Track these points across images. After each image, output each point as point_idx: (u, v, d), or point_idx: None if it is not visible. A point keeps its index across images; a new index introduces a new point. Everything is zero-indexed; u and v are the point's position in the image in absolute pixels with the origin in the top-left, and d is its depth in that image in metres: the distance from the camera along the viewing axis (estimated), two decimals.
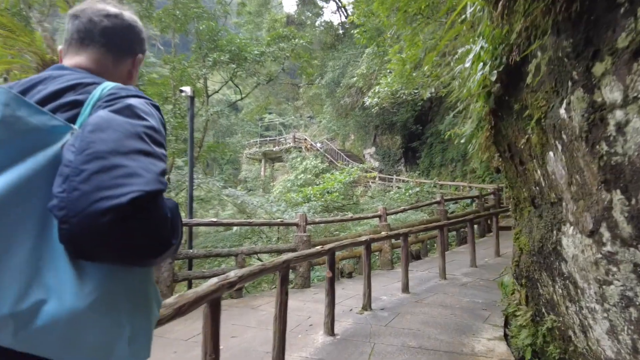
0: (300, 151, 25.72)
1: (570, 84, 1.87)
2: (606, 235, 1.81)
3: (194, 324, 4.10)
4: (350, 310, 4.95)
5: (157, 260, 0.68)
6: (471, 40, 3.14)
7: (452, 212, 12.05)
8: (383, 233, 6.42)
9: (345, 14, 26.14)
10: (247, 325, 4.58)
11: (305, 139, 27.86)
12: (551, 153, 2.20)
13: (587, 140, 1.79)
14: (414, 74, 8.35)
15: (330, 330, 4.04)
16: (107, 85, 0.80)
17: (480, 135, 3.15)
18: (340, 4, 27.55)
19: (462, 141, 3.65)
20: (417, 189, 16.19)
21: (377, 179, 21.16)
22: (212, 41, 14.74)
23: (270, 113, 35.65)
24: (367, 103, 13.86)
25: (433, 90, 9.50)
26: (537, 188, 2.56)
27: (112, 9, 0.96)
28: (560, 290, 2.48)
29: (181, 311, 1.97)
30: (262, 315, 4.93)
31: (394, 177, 20.62)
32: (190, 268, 6.31)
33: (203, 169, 21.05)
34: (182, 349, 3.81)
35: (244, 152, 29.89)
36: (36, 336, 0.59)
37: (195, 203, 14.48)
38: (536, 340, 3.02)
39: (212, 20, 15.21)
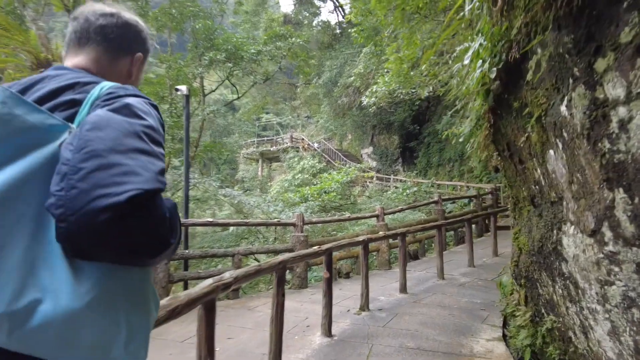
0: (297, 151, 25.68)
1: (571, 80, 1.83)
2: (608, 234, 1.78)
3: (190, 326, 4.05)
4: (348, 310, 4.91)
5: (155, 260, 0.67)
6: (469, 38, 3.11)
7: (449, 212, 12.05)
8: (381, 233, 6.39)
9: (343, 14, 26.13)
10: (243, 326, 4.53)
11: (303, 139, 27.81)
12: (551, 151, 2.16)
13: (588, 137, 1.75)
14: (412, 73, 8.33)
15: (327, 331, 4.00)
16: (106, 85, 0.80)
17: (479, 134, 3.12)
18: (337, 4, 27.53)
19: (461, 140, 3.61)
20: (415, 189, 16.18)
21: (374, 178, 21.15)
22: (208, 40, 14.66)
23: (267, 113, 35.58)
24: (365, 103, 13.83)
25: (431, 89, 9.48)
26: (537, 187, 2.52)
27: (109, 9, 0.96)
28: (560, 291, 2.45)
29: (175, 313, 1.92)
30: (258, 316, 4.89)
31: (392, 176, 20.61)
32: (186, 269, 6.26)
33: (200, 169, 20.98)
34: (178, 350, 3.76)
35: (241, 152, 29.80)
36: (31, 336, 0.59)
37: (192, 203, 14.42)
38: (535, 341, 2.99)
39: (208, 19, 15.13)
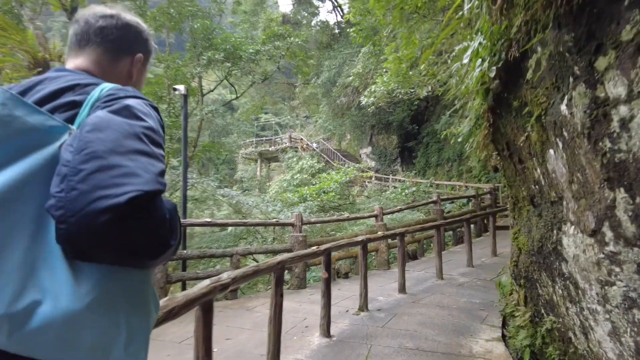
0: (296, 151, 25.66)
1: (571, 79, 1.82)
2: (609, 234, 1.76)
3: (188, 326, 4.02)
4: (347, 311, 4.90)
5: (155, 262, 0.67)
6: (468, 37, 3.09)
7: (448, 212, 12.04)
8: (379, 233, 6.37)
9: (341, 13, 26.11)
10: (241, 327, 4.51)
11: (302, 139, 27.79)
12: (551, 151, 2.15)
13: (589, 137, 1.74)
14: (410, 73, 8.31)
15: (326, 331, 3.98)
16: (106, 86, 0.80)
17: (478, 134, 3.11)
18: (336, 3, 27.52)
19: (459, 140, 3.60)
20: (414, 189, 16.18)
21: (373, 178, 21.14)
22: (206, 40, 14.61)
23: (266, 113, 35.54)
24: (363, 102, 13.81)
25: (429, 89, 9.47)
26: (537, 187, 2.51)
27: (109, 11, 0.97)
28: (560, 291, 2.43)
29: (172, 314, 1.90)
30: (257, 316, 4.87)
31: (390, 176, 20.61)
32: (184, 269, 6.23)
33: (198, 169, 20.93)
34: (176, 351, 3.74)
35: (240, 152, 29.77)
36: (31, 338, 0.58)
37: (191, 203, 14.38)
38: (535, 341, 2.98)
39: (206, 18, 15.09)
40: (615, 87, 1.55)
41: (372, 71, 15.95)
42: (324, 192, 15.15)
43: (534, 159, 2.41)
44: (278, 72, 23.20)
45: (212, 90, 19.48)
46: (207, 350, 2.25)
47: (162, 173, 0.68)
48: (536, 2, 1.86)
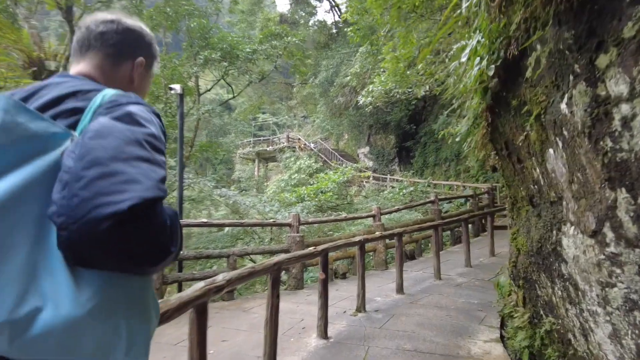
0: (294, 151, 25.61)
1: (571, 77, 1.78)
2: (610, 235, 1.73)
3: (184, 328, 3.94)
4: (344, 312, 4.86)
5: (156, 268, 0.68)
6: (466, 35, 3.06)
7: (446, 212, 12.03)
8: (377, 233, 6.34)
9: (339, 13, 26.07)
10: (238, 328, 4.47)
11: (299, 139, 27.74)
12: (551, 150, 2.12)
13: (590, 136, 1.71)
14: (408, 72, 8.29)
15: (323, 333, 3.95)
16: (108, 93, 0.80)
17: (476, 133, 3.08)
18: (333, 3, 27.50)
19: (457, 140, 3.57)
20: (411, 189, 16.17)
21: (371, 178, 21.12)
22: (203, 39, 14.55)
23: (263, 113, 35.47)
24: (361, 102, 13.79)
25: (427, 88, 9.45)
26: (536, 187, 2.48)
27: (110, 16, 0.99)
28: (559, 292, 2.40)
29: (165, 317, 1.87)
30: (254, 318, 4.82)
31: (388, 176, 20.60)
32: (180, 270, 6.18)
33: (195, 168, 20.85)
34: (172, 353, 3.69)
35: (238, 152, 29.70)
36: (32, 344, 0.59)
37: (188, 203, 14.30)
38: (534, 342, 2.95)
39: (203, 18, 15.02)
40: (616, 85, 1.52)
41: (370, 71, 15.92)
42: (321, 192, 15.12)
43: (533, 158, 2.38)
44: (275, 72, 23.14)
45: (209, 90, 19.39)
46: (201, 354, 2.21)
47: (163, 179, 0.68)
48: None
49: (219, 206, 15.75)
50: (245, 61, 15.58)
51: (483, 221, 10.97)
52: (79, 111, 0.77)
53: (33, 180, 0.65)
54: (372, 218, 8.85)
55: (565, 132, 1.91)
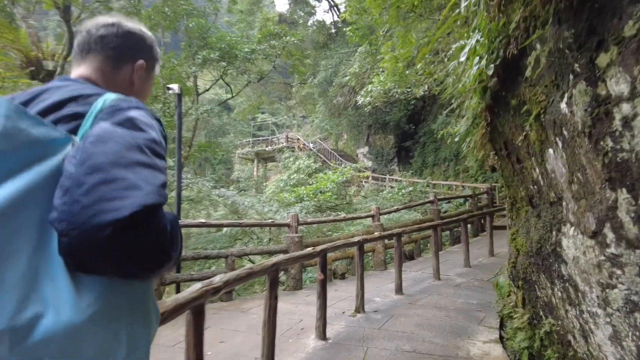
0: (293, 151, 25.57)
1: (571, 76, 1.77)
2: (610, 236, 1.72)
3: (181, 329, 3.91)
4: (343, 312, 4.84)
5: (157, 273, 0.68)
6: (465, 35, 3.04)
7: (445, 212, 12.02)
8: (376, 233, 6.32)
9: (338, 13, 26.04)
10: (236, 329, 4.45)
11: (298, 139, 27.70)
12: (551, 150, 2.10)
13: (590, 136, 1.69)
14: (407, 72, 8.27)
15: (322, 334, 3.93)
16: (109, 97, 0.80)
17: (475, 133, 3.06)
18: (332, 3, 27.47)
19: (456, 140, 3.55)
20: (410, 189, 16.14)
21: (370, 178, 21.10)
22: (202, 39, 14.50)
23: (262, 112, 35.43)
24: (360, 102, 13.76)
25: (426, 88, 9.43)
26: (535, 187, 2.46)
27: (111, 20, 0.99)
28: (559, 293, 2.39)
29: (161, 319, 1.84)
30: (252, 318, 4.80)
31: (387, 176, 20.57)
32: (178, 271, 6.14)
33: (194, 169, 20.81)
34: (168, 355, 3.67)
35: (237, 152, 29.65)
36: (33, 350, 0.58)
37: (187, 203, 14.27)
38: (533, 343, 2.93)
39: (202, 17, 14.98)
40: (617, 85, 1.51)
41: (369, 71, 15.91)
42: (320, 192, 15.08)
43: (533, 158, 2.36)
44: (274, 72, 23.10)
45: (207, 90, 19.34)
46: (198, 356, 2.19)
47: (163, 185, 0.68)
48: None
49: (217, 206, 15.72)
50: (243, 61, 15.54)
51: (482, 221, 10.96)
52: (80, 116, 0.77)
53: (34, 185, 0.65)
54: (371, 218, 8.83)
55: (565, 132, 1.90)
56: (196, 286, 2.19)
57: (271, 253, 7.11)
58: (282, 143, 27.45)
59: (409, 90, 11.23)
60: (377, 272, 7.86)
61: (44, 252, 0.63)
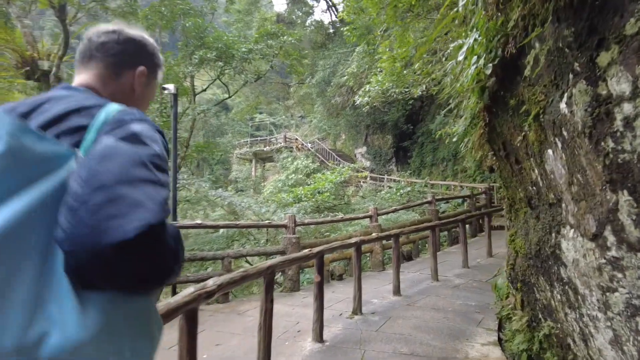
0: (291, 151, 25.51)
1: (571, 76, 1.73)
2: (611, 239, 1.68)
3: (177, 332, 3.91)
4: (340, 314, 4.80)
5: (160, 287, 0.71)
6: (463, 34, 3.01)
7: (443, 212, 11.99)
8: (374, 234, 6.28)
9: (336, 13, 26.00)
10: (232, 332, 4.40)
11: (296, 139, 27.65)
12: (550, 151, 2.06)
13: (590, 136, 1.65)
14: (405, 72, 8.24)
15: (318, 336, 3.89)
16: (111, 109, 0.80)
17: (473, 133, 3.02)
18: (330, 3, 27.43)
19: (454, 140, 3.52)
20: (409, 189, 16.11)
21: (368, 178, 21.06)
22: (199, 38, 14.43)
23: (260, 113, 35.35)
24: (358, 102, 13.71)
25: (424, 88, 9.40)
26: (534, 188, 2.43)
27: (112, 27, 1.00)
28: (558, 296, 2.35)
29: None
30: (248, 321, 4.75)
31: (385, 176, 20.54)
32: None
33: (191, 169, 20.73)
34: (163, 358, 3.61)
35: (235, 152, 29.56)
36: None
37: (184, 204, 14.21)
38: (532, 346, 2.90)
39: (199, 17, 14.90)
40: (618, 84, 1.47)
41: (367, 71, 15.87)
42: (318, 192, 15.03)
43: (532, 159, 2.33)
44: (272, 72, 23.04)
45: (204, 90, 19.27)
46: None
47: (166, 200, 0.69)
48: None
49: (215, 207, 15.66)
50: (240, 61, 15.46)
51: (480, 221, 10.94)
52: (82, 129, 0.77)
53: (39, 203, 0.65)
54: (369, 219, 8.79)
55: (564, 133, 1.86)
56: (189, 290, 2.15)
57: (268, 254, 7.07)
58: (280, 143, 27.40)
59: (406, 90, 11.19)
60: (375, 273, 7.82)
61: (49, 270, 0.64)
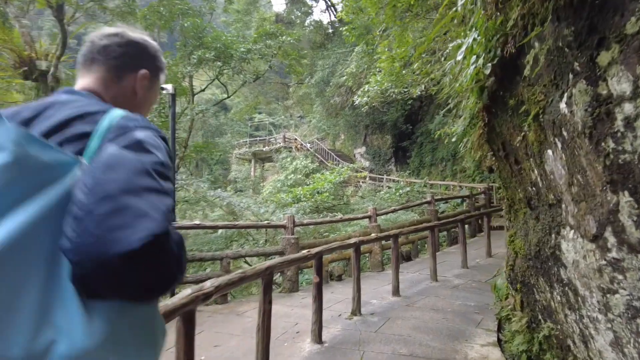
0: (290, 151, 25.49)
1: (571, 75, 1.72)
2: (611, 240, 1.67)
3: (174, 333, 3.89)
4: (339, 315, 4.78)
5: (164, 294, 0.70)
6: (462, 34, 2.99)
7: (442, 212, 11.98)
8: (373, 235, 6.27)
9: (335, 13, 25.98)
10: (231, 333, 4.39)
11: (296, 139, 27.64)
12: (550, 151, 2.05)
13: (590, 136, 1.64)
14: (404, 72, 8.22)
15: (317, 337, 3.87)
16: (114, 115, 0.80)
17: (472, 133, 3.01)
18: (329, 3, 27.41)
19: (453, 140, 3.50)
20: (408, 189, 16.10)
21: (367, 178, 21.05)
22: (197, 38, 14.40)
23: (260, 113, 35.32)
24: (357, 102, 13.69)
25: (423, 88, 9.39)
26: (534, 189, 2.41)
27: (114, 30, 1.00)
28: (558, 297, 2.34)
29: None
30: (247, 322, 4.74)
31: (385, 176, 20.53)
32: None
33: (190, 169, 20.70)
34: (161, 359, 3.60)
35: (234, 152, 29.53)
36: None
37: (183, 204, 14.17)
38: (532, 347, 2.89)
39: (197, 17, 14.87)
40: (619, 84, 1.46)
41: (366, 70, 15.85)
42: (317, 192, 15.01)
43: (531, 159, 2.31)
44: (271, 72, 23.01)
45: (203, 90, 19.24)
46: None
47: (170, 208, 0.69)
48: None
49: (214, 207, 15.63)
50: (239, 61, 15.43)
51: (480, 221, 10.92)
52: (86, 136, 0.77)
53: (45, 212, 0.65)
54: (368, 219, 8.77)
55: (564, 133, 1.85)
56: (186, 292, 2.13)
57: (267, 255, 7.05)
58: (280, 143, 27.39)
59: (405, 90, 11.18)
60: (374, 273, 7.80)
61: (55, 279, 0.64)
